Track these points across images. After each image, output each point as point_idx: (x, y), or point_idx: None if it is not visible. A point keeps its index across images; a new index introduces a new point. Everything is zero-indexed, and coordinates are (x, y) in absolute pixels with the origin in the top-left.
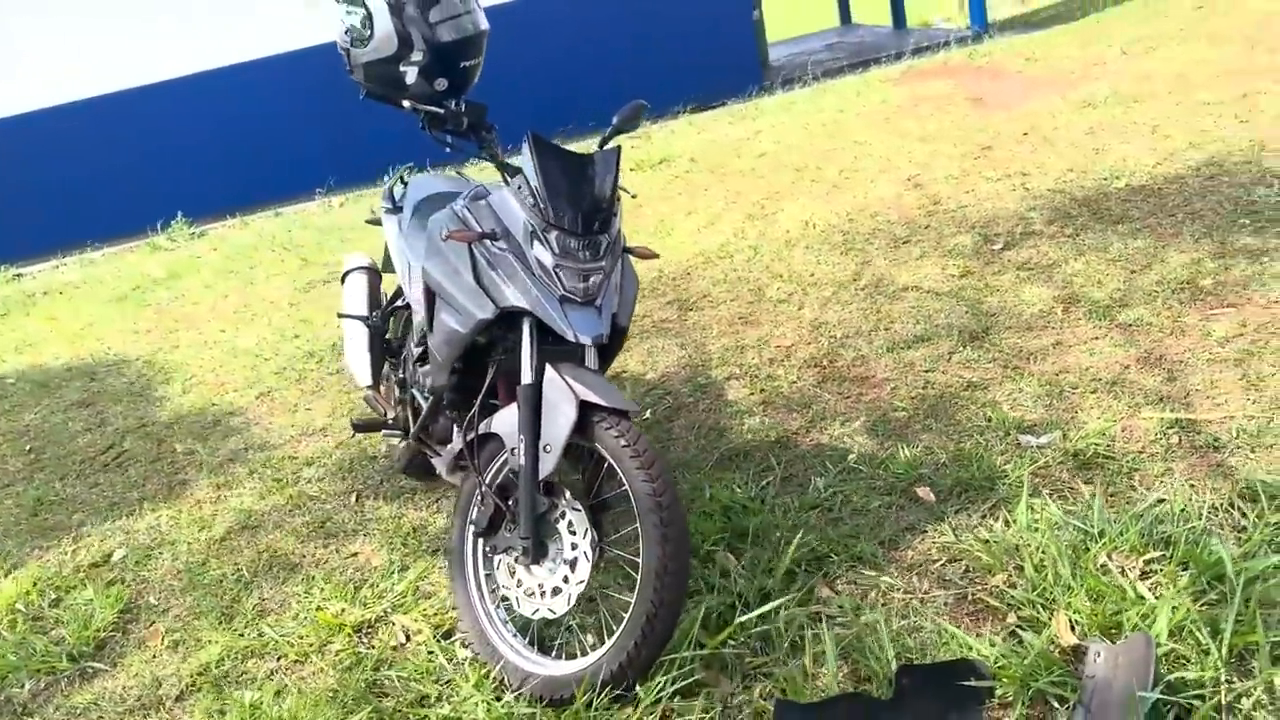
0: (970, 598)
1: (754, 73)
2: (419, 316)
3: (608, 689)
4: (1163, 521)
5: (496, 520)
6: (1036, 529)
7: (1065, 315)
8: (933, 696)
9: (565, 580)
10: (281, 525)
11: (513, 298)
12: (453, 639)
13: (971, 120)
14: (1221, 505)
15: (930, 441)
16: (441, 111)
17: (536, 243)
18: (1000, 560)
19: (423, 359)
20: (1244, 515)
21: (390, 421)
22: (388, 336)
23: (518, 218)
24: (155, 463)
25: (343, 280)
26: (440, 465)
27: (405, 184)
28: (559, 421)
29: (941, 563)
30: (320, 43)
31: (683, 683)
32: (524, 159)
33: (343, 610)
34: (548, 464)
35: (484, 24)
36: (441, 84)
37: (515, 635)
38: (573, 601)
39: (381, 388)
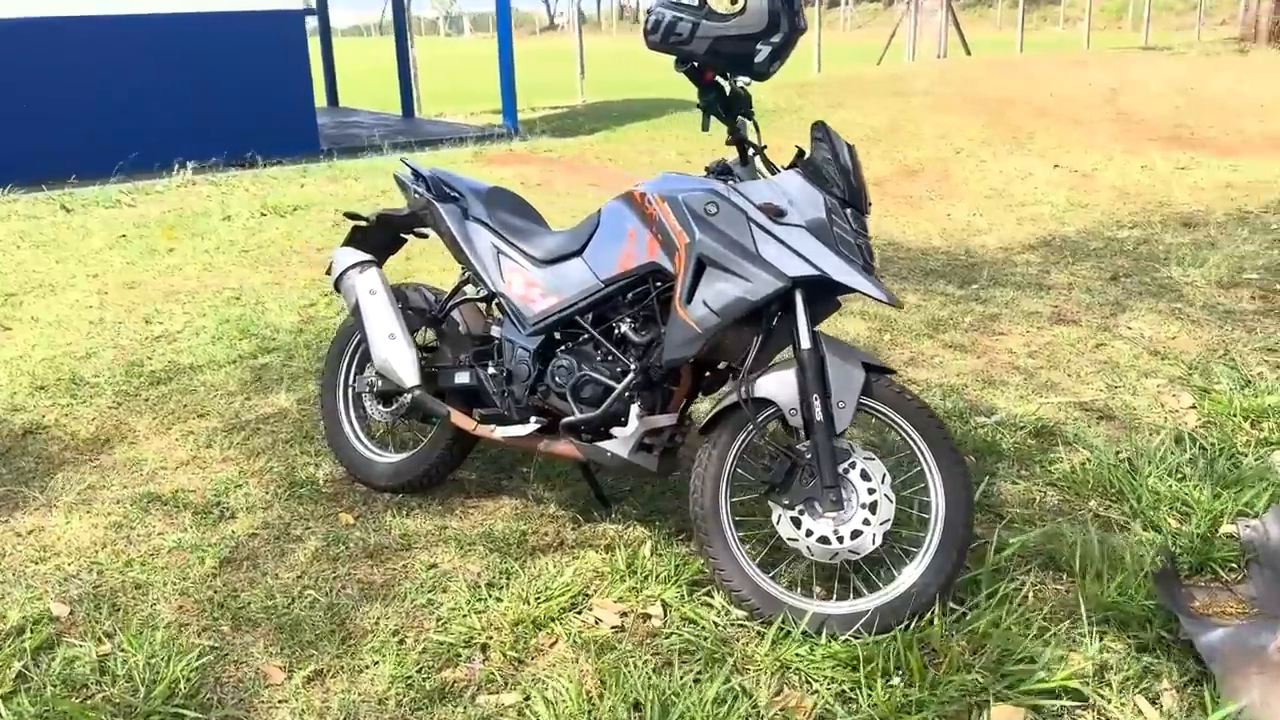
0: (1085, 521)
1: (312, 138)
2: (548, 303)
3: (931, 608)
4: (1161, 457)
5: (790, 475)
6: (1087, 468)
7: (893, 340)
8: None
9: (866, 522)
10: (284, 552)
11: (810, 269)
12: (686, 607)
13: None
14: (1167, 446)
15: None
16: (742, 93)
17: (838, 218)
18: (1085, 490)
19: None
20: (1187, 452)
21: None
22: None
23: (815, 197)
24: None
25: (338, 281)
26: (619, 448)
27: (419, 176)
28: (851, 380)
29: (1036, 501)
30: None
31: (988, 591)
32: (822, 143)
33: (507, 610)
34: (844, 419)
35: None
36: (775, 66)
37: (787, 586)
38: (878, 540)
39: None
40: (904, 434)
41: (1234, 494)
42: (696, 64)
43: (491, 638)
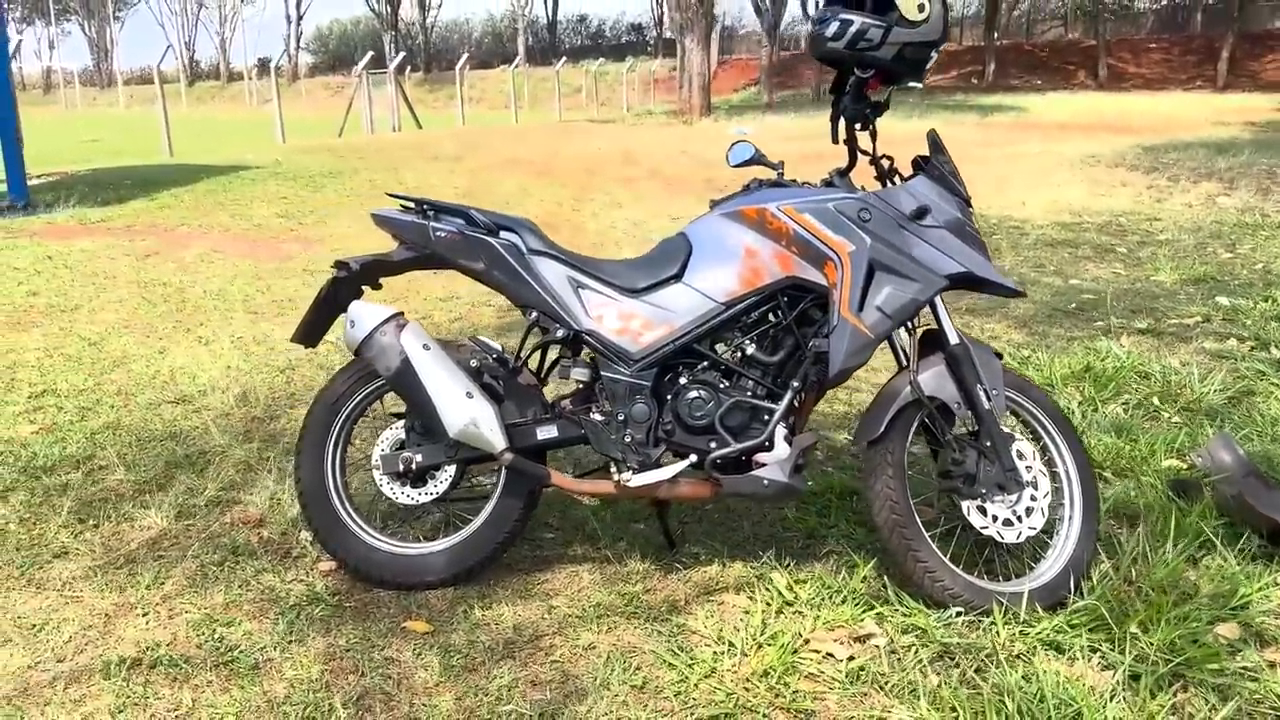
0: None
1: None
2: (657, 334)
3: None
4: None
5: (978, 466)
6: None
7: None
8: None
9: (1033, 499)
10: (408, 687)
11: (959, 266)
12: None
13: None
14: None
15: None
16: (885, 101)
17: (967, 218)
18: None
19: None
20: None
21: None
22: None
23: (949, 199)
24: None
25: (364, 342)
26: (776, 474)
27: (431, 211)
28: (994, 368)
29: None
30: None
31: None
32: (941, 152)
33: (754, 665)
34: (1000, 406)
35: None
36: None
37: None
38: (1045, 513)
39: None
40: (1030, 414)
41: (1145, 439)
42: (868, 72)
43: (752, 688)
